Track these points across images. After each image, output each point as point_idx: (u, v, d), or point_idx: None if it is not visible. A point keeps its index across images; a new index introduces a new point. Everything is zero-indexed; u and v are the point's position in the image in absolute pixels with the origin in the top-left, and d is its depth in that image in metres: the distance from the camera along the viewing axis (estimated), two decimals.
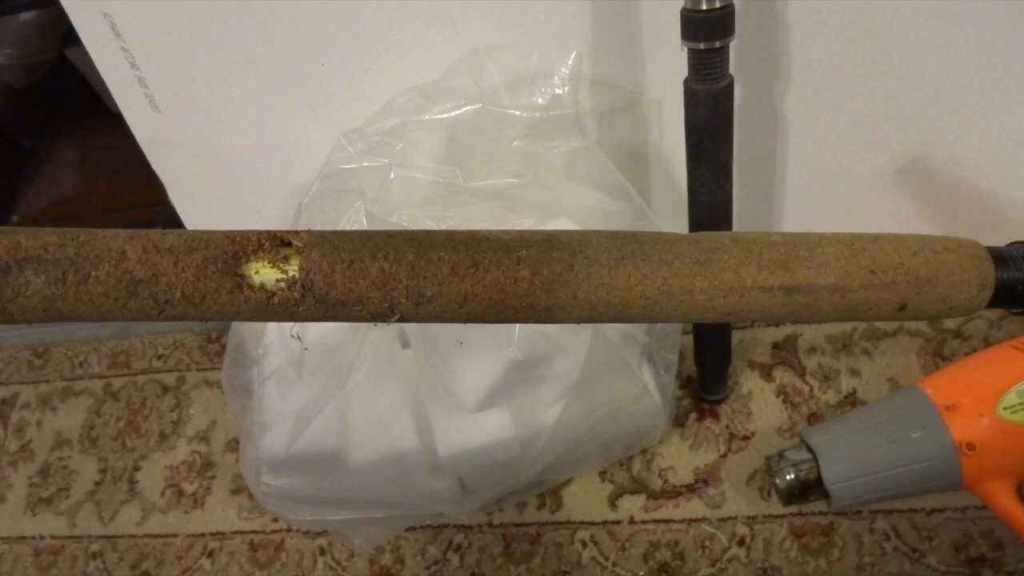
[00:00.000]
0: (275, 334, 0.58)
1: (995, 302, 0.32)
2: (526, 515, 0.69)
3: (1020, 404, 0.57)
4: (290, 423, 0.55)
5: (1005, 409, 0.57)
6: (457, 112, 0.57)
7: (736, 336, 0.73)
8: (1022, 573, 0.59)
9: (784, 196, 0.69)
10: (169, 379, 0.86)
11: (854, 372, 0.71)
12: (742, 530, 0.65)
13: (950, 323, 0.72)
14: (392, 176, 0.56)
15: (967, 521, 0.62)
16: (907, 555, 0.61)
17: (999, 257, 0.33)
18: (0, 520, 0.82)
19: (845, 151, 0.65)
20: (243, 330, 0.63)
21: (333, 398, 0.54)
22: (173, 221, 0.77)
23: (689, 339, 0.69)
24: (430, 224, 0.56)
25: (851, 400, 0.69)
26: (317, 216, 0.58)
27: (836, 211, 0.69)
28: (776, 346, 0.74)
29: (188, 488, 0.79)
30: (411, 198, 0.58)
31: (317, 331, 0.56)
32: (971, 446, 0.57)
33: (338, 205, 0.58)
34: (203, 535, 0.75)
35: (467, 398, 0.56)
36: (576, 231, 0.32)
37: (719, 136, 0.54)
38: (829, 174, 0.67)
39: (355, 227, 0.57)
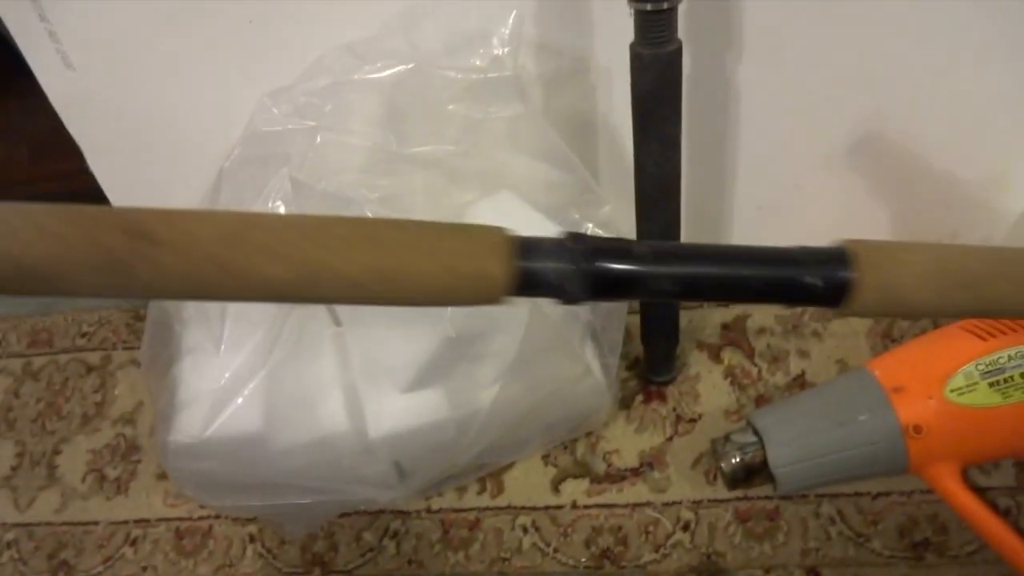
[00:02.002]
0: (194, 308, 0.54)
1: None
2: (466, 500, 0.67)
3: (967, 386, 0.56)
4: (208, 403, 0.52)
5: (952, 391, 0.56)
6: (391, 72, 0.53)
7: (685, 316, 0.71)
8: (966, 557, 0.58)
9: (736, 170, 0.67)
10: (93, 358, 0.82)
11: (803, 354, 0.69)
12: (687, 515, 0.63)
13: None
14: (319, 140, 0.52)
15: (912, 505, 0.61)
16: (852, 539, 0.60)
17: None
18: None
19: (798, 125, 0.63)
20: (165, 304, 0.59)
21: (255, 376, 0.51)
22: (95, 192, 0.72)
23: (636, 319, 0.67)
24: (363, 193, 0.52)
25: (800, 382, 0.68)
26: (240, 182, 0.54)
27: (786, 187, 0.68)
28: (725, 327, 0.72)
29: (111, 473, 0.74)
30: (343, 164, 0.54)
31: (238, 305, 0.52)
32: (918, 428, 0.55)
33: (264, 171, 0.54)
34: (126, 522, 0.71)
35: (399, 377, 0.53)
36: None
37: (666, 104, 0.52)
38: (781, 148, 0.65)
39: (280, 195, 0.53)
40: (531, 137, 0.57)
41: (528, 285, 0.30)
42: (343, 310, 0.55)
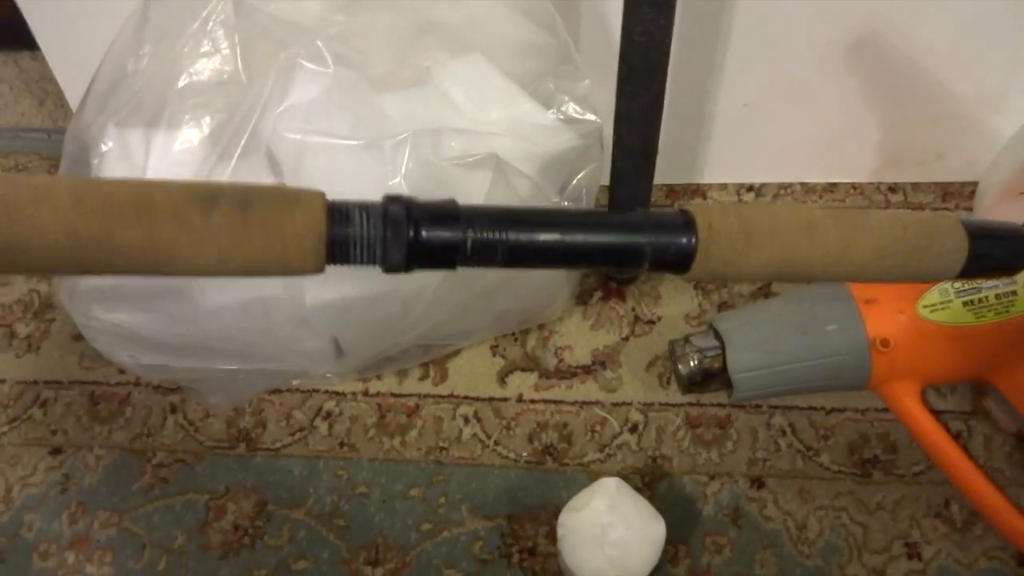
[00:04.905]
0: (115, 139, 0.48)
1: None
2: (406, 386, 0.63)
3: (941, 303, 0.53)
4: None
5: (925, 307, 0.54)
6: None
7: None
8: (912, 477, 0.57)
9: (724, 62, 0.62)
10: None
11: None
12: (636, 416, 0.60)
13: None
14: None
15: (865, 423, 0.59)
16: (801, 452, 0.59)
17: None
18: None
19: (797, 18, 0.59)
20: (83, 136, 0.52)
21: None
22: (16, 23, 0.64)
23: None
24: (307, 25, 0.46)
25: (765, 292, 0.65)
26: (172, 4, 0.47)
27: (777, 85, 0.63)
28: None
29: (22, 330, 0.69)
30: None
31: (163, 138, 0.46)
32: (885, 343, 0.53)
33: None
34: (36, 383, 0.66)
35: None
36: None
37: None
38: (776, 43, 0.60)
39: (221, 17, 0.46)
40: None
41: (344, 254, 0.27)
42: (287, 162, 0.49)
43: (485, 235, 0.29)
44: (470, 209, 0.29)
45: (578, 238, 0.30)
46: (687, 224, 0.30)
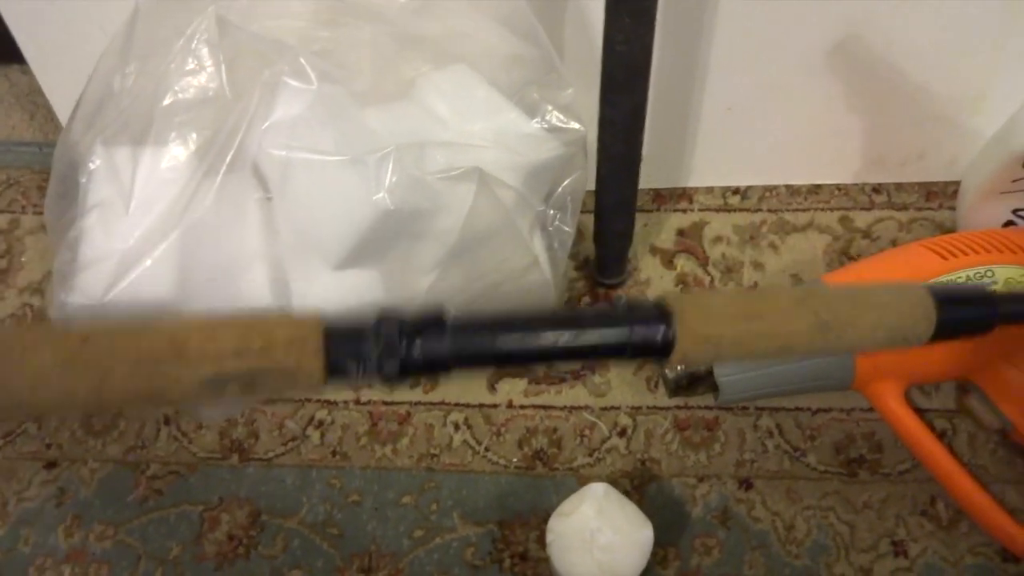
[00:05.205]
0: (102, 158, 0.48)
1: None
2: (397, 394, 0.64)
3: None
4: (114, 263, 0.46)
5: None
6: None
7: (640, 219, 0.68)
8: (897, 475, 0.58)
9: (708, 65, 0.63)
10: (0, 222, 0.75)
11: (758, 265, 0.67)
12: (624, 420, 0.61)
13: (860, 222, 0.69)
14: None
15: (851, 422, 0.60)
16: (788, 453, 0.59)
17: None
18: None
19: (780, 20, 0.59)
20: (71, 154, 0.52)
21: (167, 237, 0.46)
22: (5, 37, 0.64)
23: (590, 218, 0.63)
24: (290, 42, 0.46)
25: None
26: (158, 21, 0.48)
27: (760, 88, 0.64)
28: (681, 232, 0.69)
29: None
30: (277, 7, 0.48)
31: (151, 158, 0.47)
32: None
33: (187, 8, 0.47)
34: None
35: (330, 252, 0.49)
36: None
37: None
38: (759, 46, 0.61)
39: (206, 36, 0.47)
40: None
41: (341, 373, 0.29)
42: (273, 178, 0.50)
43: (473, 343, 0.31)
44: (457, 320, 0.31)
45: (563, 339, 0.31)
46: (662, 316, 0.32)
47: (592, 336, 0.32)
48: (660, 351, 0.32)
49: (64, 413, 0.29)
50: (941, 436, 0.58)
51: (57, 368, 0.27)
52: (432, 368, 0.31)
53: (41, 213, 0.75)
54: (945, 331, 0.34)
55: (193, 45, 0.47)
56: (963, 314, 0.35)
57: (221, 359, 0.28)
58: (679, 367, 0.58)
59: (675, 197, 0.71)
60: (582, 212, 0.59)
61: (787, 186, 0.71)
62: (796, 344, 0.33)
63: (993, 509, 0.53)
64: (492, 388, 0.63)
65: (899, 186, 0.70)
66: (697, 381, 0.58)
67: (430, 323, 0.31)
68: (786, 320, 0.33)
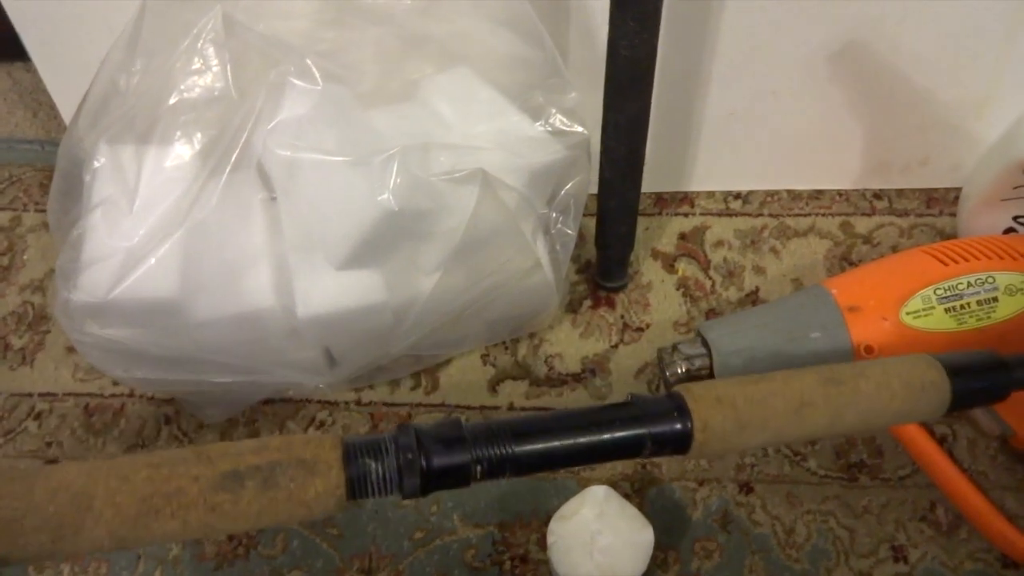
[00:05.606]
0: (107, 156, 0.48)
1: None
2: (398, 395, 0.64)
3: (924, 310, 0.54)
4: (118, 261, 0.46)
5: (908, 314, 0.54)
6: None
7: (642, 223, 0.68)
8: (897, 481, 0.58)
9: (711, 71, 0.63)
10: (2, 219, 0.75)
11: (759, 270, 0.67)
12: None
13: (861, 227, 0.69)
14: None
15: None
16: (788, 458, 0.59)
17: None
18: None
19: (782, 26, 0.59)
20: (75, 152, 0.52)
21: (171, 236, 0.46)
22: (8, 35, 0.64)
23: (591, 221, 0.63)
24: (296, 42, 0.46)
25: (753, 298, 0.66)
26: (166, 18, 0.48)
27: (762, 94, 0.64)
28: (683, 236, 0.69)
29: (16, 342, 0.69)
30: (283, 8, 0.48)
31: (155, 155, 0.47)
32: (869, 349, 0.54)
33: (194, 6, 0.48)
34: (31, 395, 0.66)
35: (334, 252, 0.49)
36: None
37: None
38: (761, 51, 0.61)
39: (212, 35, 0.47)
40: (498, 1, 0.51)
41: (363, 492, 0.29)
42: (277, 178, 0.50)
43: (492, 452, 0.31)
44: (474, 429, 0.31)
45: (581, 440, 0.32)
46: (680, 411, 0.32)
47: (610, 435, 0.32)
48: (679, 448, 0.32)
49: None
50: (941, 442, 0.58)
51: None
52: (452, 480, 0.31)
53: (43, 211, 0.75)
54: (960, 404, 0.34)
55: (199, 44, 0.47)
56: (977, 385, 0.35)
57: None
58: (680, 368, 0.58)
59: (677, 201, 0.72)
60: (584, 215, 0.60)
61: (789, 191, 0.71)
62: (808, 437, 0.33)
63: (993, 515, 0.53)
64: (493, 390, 0.63)
65: (900, 192, 0.70)
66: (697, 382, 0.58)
67: (448, 436, 0.31)
68: (801, 424, 0.33)
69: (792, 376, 0.35)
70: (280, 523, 0.29)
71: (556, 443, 0.31)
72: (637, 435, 0.32)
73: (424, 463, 0.30)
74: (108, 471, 0.28)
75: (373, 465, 0.29)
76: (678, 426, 0.32)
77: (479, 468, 0.30)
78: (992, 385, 0.35)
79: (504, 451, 0.31)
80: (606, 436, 0.32)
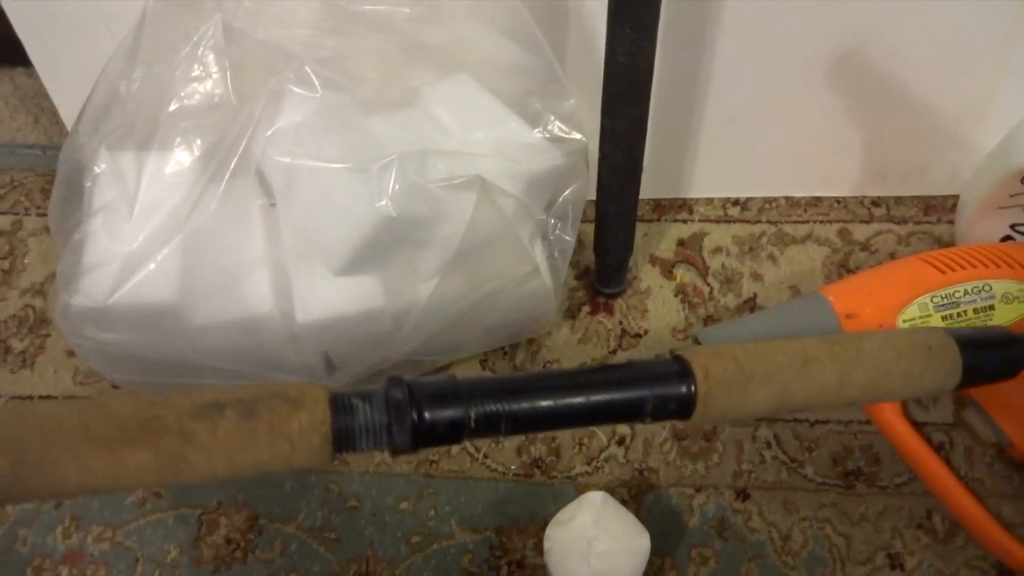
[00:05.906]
0: (107, 162, 0.48)
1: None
2: None
3: (920, 317, 0.54)
4: (117, 266, 0.47)
5: (905, 321, 0.55)
6: None
7: (641, 229, 0.68)
8: (894, 488, 0.58)
9: (710, 78, 0.63)
10: (3, 223, 0.75)
11: (757, 277, 0.67)
12: (623, 430, 0.61)
13: (858, 234, 0.69)
14: None
15: (849, 434, 0.60)
16: (785, 464, 0.59)
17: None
18: None
19: (781, 34, 0.60)
20: (76, 157, 0.53)
21: (170, 241, 0.46)
22: (10, 40, 0.65)
23: (590, 228, 0.64)
24: (296, 50, 0.47)
25: (750, 305, 0.66)
26: (166, 25, 0.48)
27: (761, 101, 0.64)
28: (681, 243, 0.69)
29: (17, 346, 0.69)
30: (285, 16, 0.49)
31: (156, 162, 0.47)
32: None
33: (195, 14, 0.48)
34: (31, 398, 0.67)
35: (332, 258, 0.49)
36: None
37: None
38: (760, 59, 0.62)
39: (212, 42, 0.47)
40: (497, 9, 0.52)
41: (350, 443, 0.28)
42: (277, 184, 0.50)
43: (487, 408, 0.29)
44: (470, 384, 0.30)
45: (578, 400, 0.30)
46: (683, 373, 0.31)
47: (610, 395, 0.31)
48: (682, 411, 0.31)
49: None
50: (938, 449, 0.58)
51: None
52: (444, 436, 0.29)
53: (44, 215, 0.75)
54: (971, 377, 0.33)
55: (200, 51, 0.47)
56: (989, 359, 0.33)
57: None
58: None
59: (675, 208, 0.72)
60: (583, 221, 0.60)
61: (787, 198, 0.71)
62: (817, 400, 0.31)
63: (989, 523, 0.53)
64: None
65: (898, 199, 0.71)
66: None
67: (442, 390, 0.29)
68: (808, 379, 0.31)
69: (793, 337, 0.33)
70: (261, 466, 0.27)
71: (553, 402, 0.30)
72: (640, 396, 0.30)
73: (415, 416, 0.28)
74: (88, 401, 0.27)
75: (361, 411, 0.28)
76: (682, 386, 0.30)
77: (473, 424, 0.29)
78: (1004, 359, 0.34)
79: (500, 408, 0.29)
80: (607, 396, 0.30)
